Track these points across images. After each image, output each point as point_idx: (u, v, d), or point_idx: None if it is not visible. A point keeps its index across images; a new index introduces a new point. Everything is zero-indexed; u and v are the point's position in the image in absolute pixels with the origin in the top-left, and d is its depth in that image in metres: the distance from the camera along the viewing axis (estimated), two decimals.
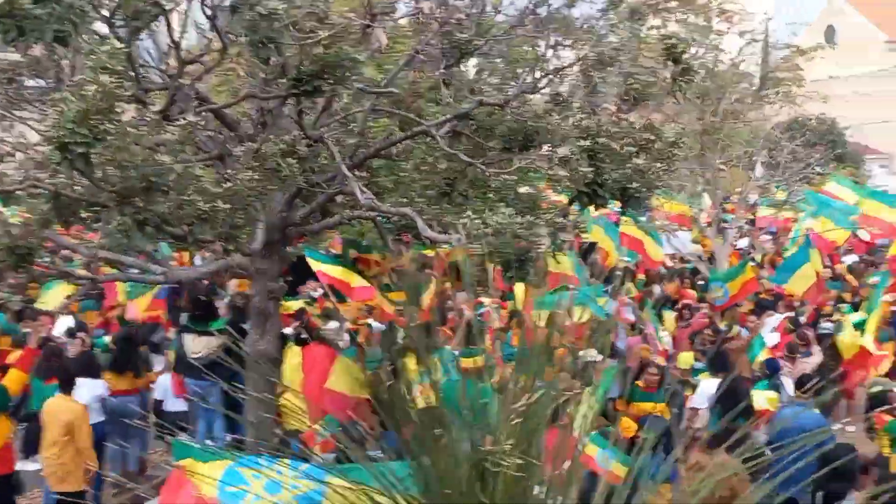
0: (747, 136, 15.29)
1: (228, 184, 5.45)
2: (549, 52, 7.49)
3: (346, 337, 8.24)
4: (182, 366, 9.15)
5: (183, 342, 9.14)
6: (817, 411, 7.52)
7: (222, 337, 8.63)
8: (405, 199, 7.97)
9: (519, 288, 7.99)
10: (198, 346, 8.91)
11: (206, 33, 7.01)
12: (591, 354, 7.74)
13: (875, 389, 7.74)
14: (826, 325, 11.07)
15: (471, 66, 9.17)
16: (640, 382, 8.18)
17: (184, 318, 9.62)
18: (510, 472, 2.05)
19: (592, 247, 15.89)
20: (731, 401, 7.27)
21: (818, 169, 26.98)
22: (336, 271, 9.82)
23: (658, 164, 5.73)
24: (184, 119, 5.51)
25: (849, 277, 13.78)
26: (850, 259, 14.92)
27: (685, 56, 5.75)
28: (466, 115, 7.49)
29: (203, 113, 6.22)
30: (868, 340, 9.75)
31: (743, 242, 15.74)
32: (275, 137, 5.83)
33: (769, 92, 13.81)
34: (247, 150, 5.57)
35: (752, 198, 19.06)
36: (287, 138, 5.47)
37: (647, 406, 7.89)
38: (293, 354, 8.05)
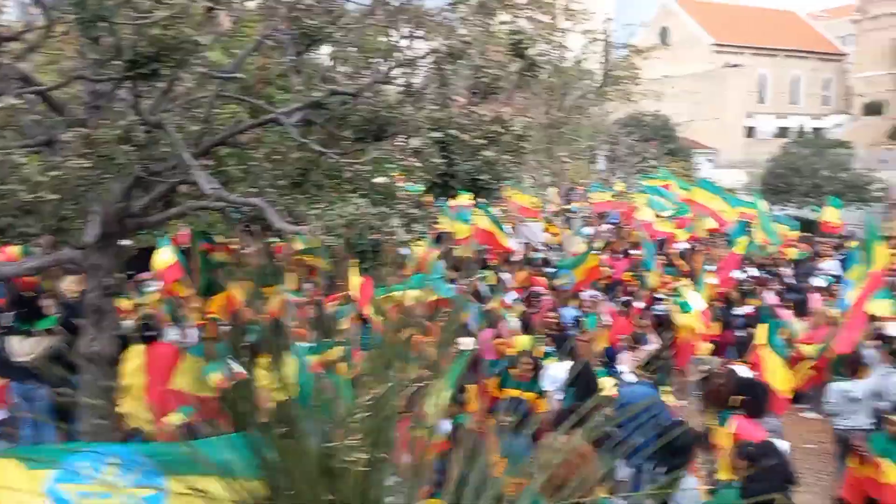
0: (590, 131, 16.10)
1: (55, 172, 5.02)
2: (403, 43, 7.50)
3: (193, 333, 7.86)
4: (5, 370, 8.38)
5: (7, 344, 8.36)
6: (650, 386, 8.04)
7: (54, 337, 7.99)
8: (255, 189, 7.72)
9: (356, 279, 7.95)
10: (25, 347, 8.19)
11: (29, 8, 6.43)
12: (466, 343, 7.84)
13: (703, 368, 8.36)
14: (660, 308, 11.87)
15: (324, 55, 9.02)
16: (514, 370, 8.36)
17: (7, 317, 8.80)
18: (358, 468, 2.02)
19: (442, 237, 16.23)
20: (583, 384, 7.63)
21: (653, 162, 28.97)
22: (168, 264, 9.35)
23: (506, 156, 5.87)
24: (2, 101, 5.02)
25: (679, 263, 14.87)
26: (681, 246, 16.11)
27: (531, 52, 5.93)
28: (318, 104, 7.35)
29: (26, 94, 5.70)
30: (696, 321, 10.54)
31: (588, 231, 16.59)
32: (110, 122, 5.45)
33: (609, 89, 14.62)
34: (77, 135, 5.15)
35: (594, 189, 20.16)
36: (123, 123, 5.11)
37: (514, 392, 8.07)
38: (135, 354, 7.58)
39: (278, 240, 9.11)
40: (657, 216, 16.22)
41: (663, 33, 56.72)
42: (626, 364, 9.31)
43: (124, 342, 7.21)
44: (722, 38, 55.41)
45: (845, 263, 15.66)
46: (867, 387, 7.57)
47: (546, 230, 16.51)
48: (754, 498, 4.55)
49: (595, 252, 13.69)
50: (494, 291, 11.70)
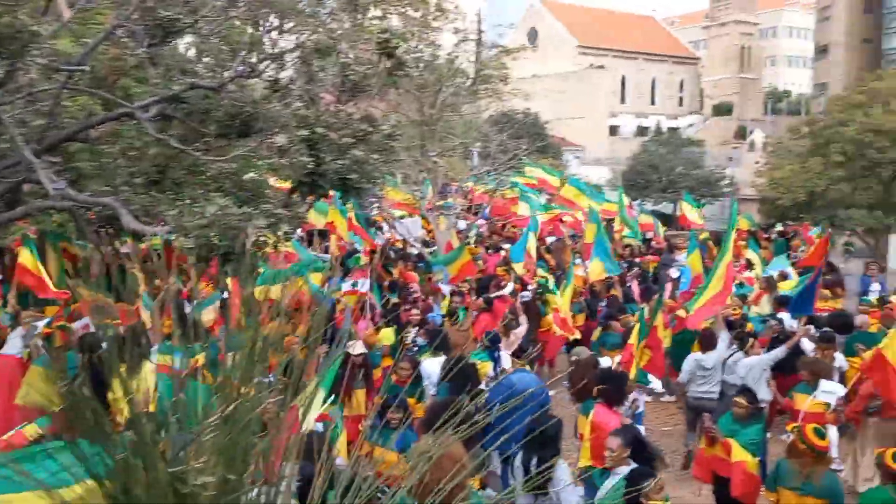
0: (463, 129, 16.32)
1: None
2: (268, 36, 7.28)
3: (39, 343, 7.27)
4: None
5: None
6: (534, 375, 8.24)
7: None
8: (109, 188, 7.26)
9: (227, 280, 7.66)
10: None
11: None
12: (357, 348, 7.50)
13: (574, 358, 8.67)
14: (525, 294, 12.22)
15: (187, 45, 8.60)
16: (394, 377, 8.26)
17: None
18: (208, 493, 1.90)
19: (321, 234, 16.02)
20: (459, 377, 7.64)
21: (524, 159, 29.79)
22: (34, 266, 8.72)
23: (376, 156, 5.81)
24: None
25: (547, 257, 15.37)
26: (550, 239, 16.67)
27: (399, 50, 5.89)
28: (177, 98, 7.00)
29: None
30: (561, 313, 10.88)
31: (462, 226, 16.82)
32: None
33: (480, 88, 14.86)
34: None
35: (468, 185, 20.51)
36: None
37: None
38: None
39: (132, 241, 8.60)
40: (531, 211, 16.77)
41: (532, 34, 58.42)
42: (505, 349, 9.52)
43: None
44: (586, 41, 57.77)
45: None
46: (716, 357, 8.22)
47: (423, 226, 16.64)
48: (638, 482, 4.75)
49: (469, 246, 13.90)
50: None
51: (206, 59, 7.29)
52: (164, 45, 6.34)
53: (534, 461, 5.53)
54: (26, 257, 8.71)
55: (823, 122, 19.13)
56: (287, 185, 6.40)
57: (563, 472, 5.46)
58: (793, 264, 13.93)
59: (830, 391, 7.29)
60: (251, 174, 6.19)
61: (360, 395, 7.65)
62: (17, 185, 6.02)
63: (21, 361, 7.13)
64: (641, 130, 56.85)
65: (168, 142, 6.53)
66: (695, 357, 8.43)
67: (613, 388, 6.14)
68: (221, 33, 7.70)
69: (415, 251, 15.79)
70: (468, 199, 17.64)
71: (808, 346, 8.63)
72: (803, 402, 7.27)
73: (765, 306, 11.37)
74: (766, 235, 18.08)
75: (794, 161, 19.10)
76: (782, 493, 5.46)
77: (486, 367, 8.52)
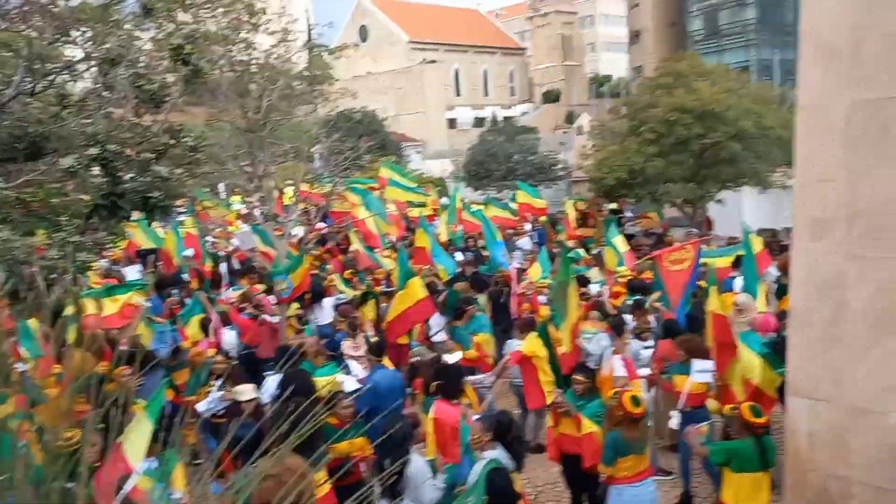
0: (293, 133, 15.85)
1: None
2: (56, 46, 6.65)
3: None
4: None
5: None
6: (394, 370, 8.10)
7: None
8: None
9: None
10: None
11: None
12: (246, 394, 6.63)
13: (415, 358, 8.65)
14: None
15: None
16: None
17: None
18: None
19: (152, 252, 15.11)
20: (296, 388, 7.37)
21: (366, 157, 29.63)
22: None
23: (179, 170, 5.45)
24: None
25: (392, 256, 15.37)
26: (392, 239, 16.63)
27: (195, 57, 5.55)
28: None
29: None
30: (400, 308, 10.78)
31: (300, 232, 16.39)
32: None
33: (307, 89, 14.50)
34: None
35: (304, 188, 20.06)
36: None
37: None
38: None
39: None
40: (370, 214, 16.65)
41: (362, 31, 58.24)
42: (350, 350, 9.35)
43: None
44: (417, 36, 58.37)
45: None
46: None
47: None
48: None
49: (309, 253, 13.56)
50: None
51: None
52: None
53: (387, 462, 5.44)
54: None
55: (637, 103, 20.40)
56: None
57: (418, 466, 5.40)
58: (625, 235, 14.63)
59: (704, 370, 6.93)
60: (37, 202, 5.62)
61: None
62: None
63: None
64: (479, 121, 58.28)
65: None
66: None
67: (449, 383, 6.16)
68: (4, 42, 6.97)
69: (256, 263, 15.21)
70: (304, 204, 17.19)
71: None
72: (682, 383, 7.05)
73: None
74: (599, 210, 19.00)
75: (614, 142, 20.25)
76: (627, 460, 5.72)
77: (335, 380, 8.27)
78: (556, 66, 63.31)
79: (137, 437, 5.00)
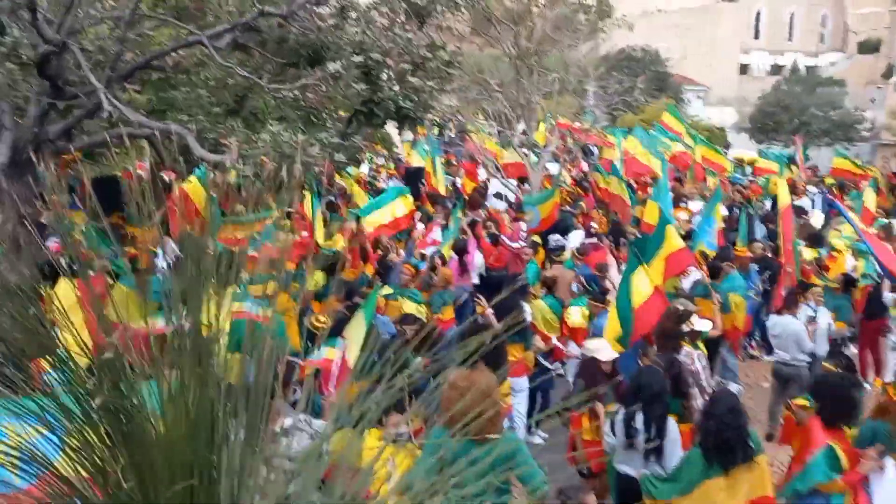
0: (561, 63, 15.55)
1: None
2: None
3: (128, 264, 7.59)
4: None
5: None
6: None
7: None
8: (186, 118, 7.43)
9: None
10: None
11: None
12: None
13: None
14: None
15: None
16: None
17: None
18: None
19: (419, 171, 15.79)
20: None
21: (642, 98, 28.41)
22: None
23: (430, 83, 5.58)
24: None
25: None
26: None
27: None
28: (250, 26, 7.01)
29: None
30: None
31: (554, 168, 16.23)
32: None
33: (580, 21, 14.05)
34: None
35: (576, 124, 19.74)
36: (8, 40, 4.79)
37: None
38: (66, 288, 7.35)
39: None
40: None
41: None
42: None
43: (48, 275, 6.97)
44: None
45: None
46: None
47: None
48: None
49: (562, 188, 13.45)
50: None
51: None
52: None
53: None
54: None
55: None
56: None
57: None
58: None
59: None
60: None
61: None
62: (87, 114, 6.23)
63: (105, 281, 7.50)
64: (776, 69, 52.91)
65: (235, 70, 6.56)
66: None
67: None
68: None
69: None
70: (563, 139, 16.83)
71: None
72: None
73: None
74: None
75: None
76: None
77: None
78: (880, 12, 54.81)
79: (356, 336, 5.36)
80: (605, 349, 5.65)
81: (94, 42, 6.84)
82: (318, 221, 8.55)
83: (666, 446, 4.80)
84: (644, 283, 6.34)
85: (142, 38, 7.78)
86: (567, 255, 10.39)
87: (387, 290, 7.33)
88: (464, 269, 9.65)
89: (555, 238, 10.83)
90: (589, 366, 5.71)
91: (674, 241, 8.66)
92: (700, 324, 6.47)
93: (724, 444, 4.41)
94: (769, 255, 10.16)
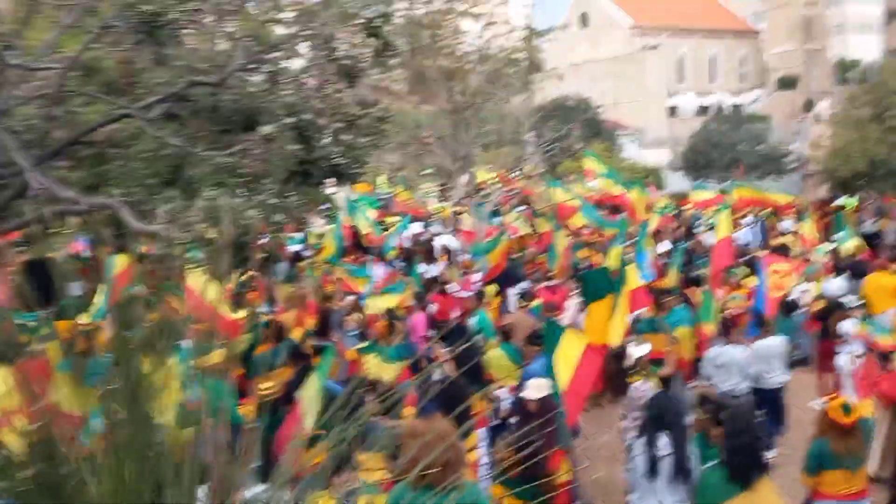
0: (497, 117, 15.95)
1: None
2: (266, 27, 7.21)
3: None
4: None
5: None
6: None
7: None
8: (121, 191, 7.33)
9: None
10: None
11: None
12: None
13: None
14: None
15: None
16: None
17: None
18: None
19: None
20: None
21: (578, 145, 29.18)
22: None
23: (363, 140, 5.65)
24: None
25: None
26: None
27: (386, 30, 5.72)
28: (181, 96, 7.02)
29: None
30: None
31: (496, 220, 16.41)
32: None
33: (513, 74, 14.47)
34: None
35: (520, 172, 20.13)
36: None
37: None
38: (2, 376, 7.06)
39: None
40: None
41: (583, 18, 57.36)
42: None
43: None
44: (640, 21, 56.29)
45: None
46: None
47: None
48: None
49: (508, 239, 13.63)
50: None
51: (205, 55, 7.27)
52: (154, 41, 6.33)
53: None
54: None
55: (883, 88, 17.96)
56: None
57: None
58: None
59: None
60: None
61: None
62: (15, 195, 6.10)
63: (47, 366, 7.23)
64: (702, 110, 55.08)
65: (166, 140, 6.53)
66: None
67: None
68: (223, 26, 7.68)
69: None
70: (504, 190, 17.13)
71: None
72: None
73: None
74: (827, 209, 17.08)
75: (853, 130, 18.01)
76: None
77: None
78: (795, 50, 57.90)
79: (312, 397, 5.26)
80: (535, 388, 5.51)
81: (21, 122, 6.75)
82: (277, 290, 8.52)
83: (693, 466, 4.79)
84: (572, 350, 5.92)
85: (71, 115, 7.72)
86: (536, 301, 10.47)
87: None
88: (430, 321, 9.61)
89: (521, 286, 11.00)
90: (520, 405, 5.67)
91: (633, 280, 8.84)
92: (637, 350, 6.52)
93: (753, 460, 4.40)
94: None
